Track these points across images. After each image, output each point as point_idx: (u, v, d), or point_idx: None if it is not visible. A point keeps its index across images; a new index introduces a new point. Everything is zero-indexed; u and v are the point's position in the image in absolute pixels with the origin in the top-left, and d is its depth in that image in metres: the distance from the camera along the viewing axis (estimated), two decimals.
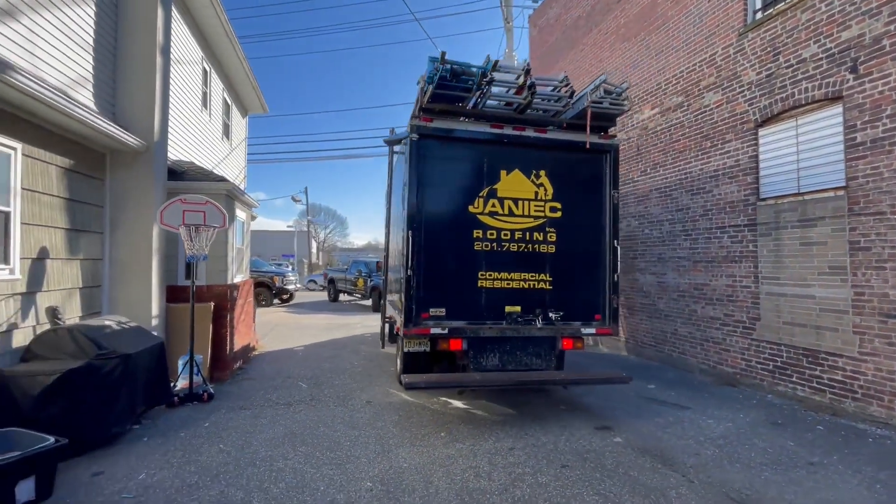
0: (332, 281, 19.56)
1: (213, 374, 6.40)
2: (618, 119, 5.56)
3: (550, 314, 5.09)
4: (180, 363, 5.74)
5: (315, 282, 29.50)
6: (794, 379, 5.58)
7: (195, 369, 5.63)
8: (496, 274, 5.07)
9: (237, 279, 7.45)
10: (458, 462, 3.95)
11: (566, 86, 5.25)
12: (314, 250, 60.22)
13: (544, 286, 5.18)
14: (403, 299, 4.88)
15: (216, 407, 5.37)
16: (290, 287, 18.72)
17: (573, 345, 5.35)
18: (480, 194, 5.05)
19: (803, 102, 5.49)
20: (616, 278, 5.31)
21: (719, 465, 3.93)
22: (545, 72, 11.83)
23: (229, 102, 11.44)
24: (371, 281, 16.83)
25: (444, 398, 5.75)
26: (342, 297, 20.07)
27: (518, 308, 5.06)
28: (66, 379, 3.83)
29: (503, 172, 5.10)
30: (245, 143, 13.32)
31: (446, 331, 4.87)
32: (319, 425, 4.82)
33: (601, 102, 5.06)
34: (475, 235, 5.04)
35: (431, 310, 4.90)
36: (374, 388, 6.33)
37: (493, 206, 5.08)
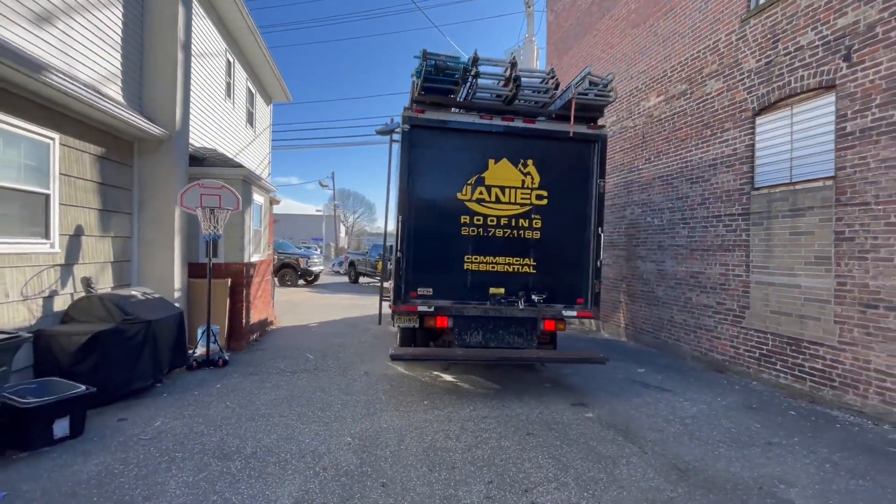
0: (352, 264, 20.27)
1: (229, 343, 7.04)
2: (604, 109, 5.66)
3: (533, 297, 5.34)
4: (199, 332, 6.37)
5: (339, 265, 30.42)
6: (777, 367, 5.66)
7: (212, 338, 6.25)
8: (482, 258, 5.38)
9: (254, 258, 8.04)
10: (433, 425, 4.35)
11: (552, 78, 5.42)
12: (343, 234, 61.72)
13: (528, 270, 5.44)
14: (394, 279, 5.29)
15: (229, 372, 5.97)
16: (315, 269, 19.55)
17: (555, 326, 5.60)
18: (468, 182, 5.32)
19: (798, 91, 5.44)
20: (599, 264, 5.50)
21: (678, 441, 4.16)
22: (559, 57, 11.80)
23: (253, 91, 12.02)
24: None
25: (435, 372, 6.16)
26: (362, 279, 20.77)
27: (502, 290, 5.36)
28: (96, 339, 4.44)
29: (491, 161, 5.35)
30: (269, 131, 13.95)
31: (432, 308, 5.23)
32: (317, 391, 5.33)
33: (586, 94, 5.20)
34: (462, 221, 5.33)
35: (419, 289, 5.27)
36: (374, 361, 6.81)
37: (481, 193, 5.34)
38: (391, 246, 5.85)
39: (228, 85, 9.89)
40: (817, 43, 5.23)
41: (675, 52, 7.61)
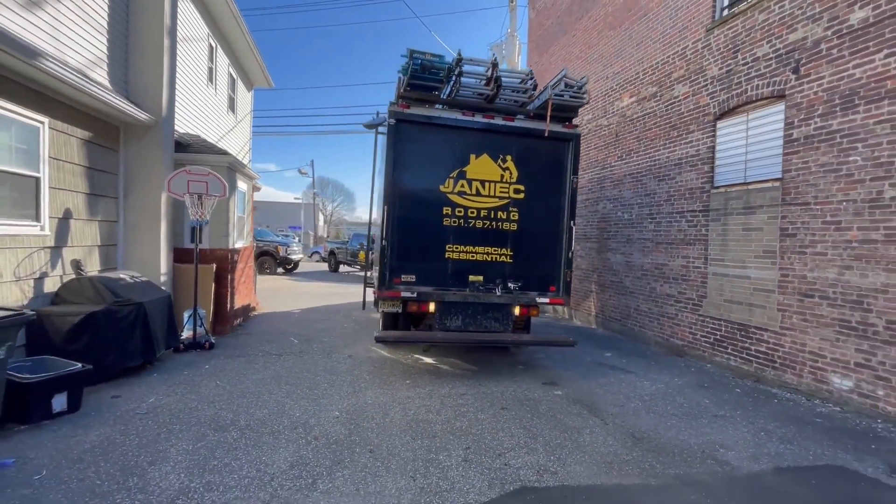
0: (332, 252, 20.36)
1: (214, 327, 7.19)
2: (580, 110, 6.04)
3: (510, 284, 5.71)
4: (185, 316, 6.52)
5: (318, 253, 30.38)
6: (728, 350, 6.23)
7: (199, 322, 6.41)
8: (462, 247, 5.70)
9: (238, 245, 8.16)
10: (415, 401, 4.69)
11: (531, 79, 5.73)
12: (321, 223, 61.08)
13: (505, 259, 5.79)
14: (378, 266, 5.56)
15: (216, 354, 6.16)
16: (294, 257, 19.56)
17: (528, 312, 6.00)
18: (451, 175, 5.61)
19: (754, 98, 5.94)
20: (570, 255, 5.89)
21: (636, 414, 4.63)
22: (539, 55, 12.13)
23: (234, 77, 11.94)
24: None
25: (416, 355, 6.49)
26: (342, 268, 20.88)
27: (480, 278, 5.70)
28: (89, 319, 4.58)
29: (472, 156, 5.65)
30: (250, 117, 13.87)
31: (415, 294, 5.53)
32: (304, 371, 5.59)
33: (562, 95, 5.54)
34: (445, 212, 5.63)
35: (403, 276, 5.57)
36: (357, 345, 7.10)
37: (462, 186, 5.65)
38: (379, 234, 6.13)
39: (210, 70, 9.84)
40: (771, 55, 5.72)
41: (648, 56, 8.04)
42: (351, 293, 13.75)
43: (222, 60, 10.74)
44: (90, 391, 4.43)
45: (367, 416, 4.26)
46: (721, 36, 6.47)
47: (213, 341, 6.49)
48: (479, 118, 5.58)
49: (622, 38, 8.76)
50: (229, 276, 7.42)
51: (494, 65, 5.27)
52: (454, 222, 5.68)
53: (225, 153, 7.45)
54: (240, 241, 8.33)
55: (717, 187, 6.51)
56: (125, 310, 4.92)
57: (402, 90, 5.41)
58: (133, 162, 6.26)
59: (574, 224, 5.90)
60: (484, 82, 5.43)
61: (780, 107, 5.60)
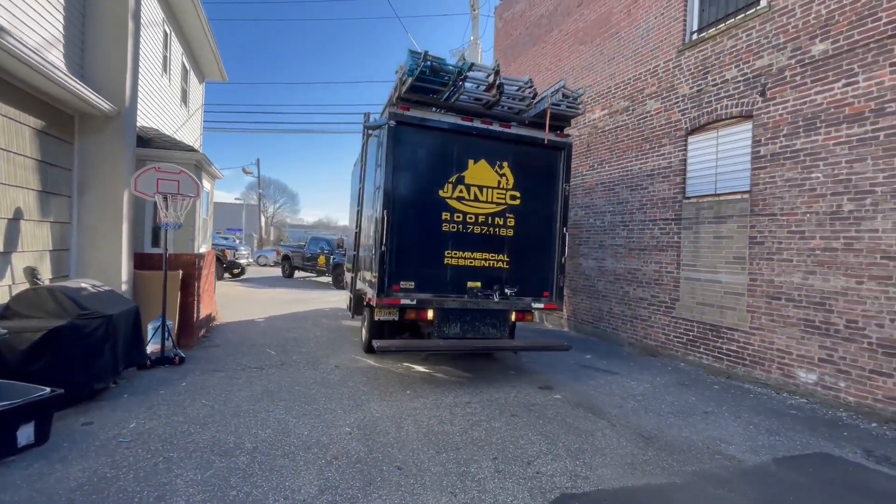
0: (286, 257, 19.40)
1: (179, 340, 6.55)
2: (572, 120, 6.23)
3: (506, 290, 5.73)
4: (150, 328, 5.88)
5: (266, 257, 28.84)
6: (701, 350, 6.69)
7: (166, 334, 5.81)
8: (461, 253, 5.64)
9: (202, 249, 7.53)
10: (424, 412, 4.56)
11: (529, 87, 5.77)
12: (262, 225, 58.14)
13: (502, 265, 5.81)
14: (377, 273, 5.35)
15: (188, 370, 5.61)
16: (242, 261, 18.43)
17: (523, 317, 6.08)
18: (450, 180, 5.56)
19: (723, 117, 6.46)
20: (563, 261, 6.04)
21: (637, 414, 4.82)
22: (508, 64, 12.40)
23: (188, 67, 11.05)
24: (333, 258, 16.96)
25: (406, 363, 6.33)
26: (298, 273, 19.98)
27: (479, 284, 5.67)
28: (51, 336, 3.99)
29: (470, 162, 5.64)
30: (202, 111, 12.90)
31: (415, 302, 5.40)
32: (294, 385, 5.25)
33: (559, 105, 5.66)
34: (443, 217, 5.56)
35: (402, 283, 5.41)
36: (340, 355, 6.79)
37: (461, 191, 5.61)
38: (371, 241, 5.84)
39: (165, 59, 9.03)
40: (739, 78, 6.25)
41: (620, 72, 8.49)
42: (313, 300, 13.19)
43: (176, 49, 9.90)
44: (56, 417, 3.83)
45: (380, 430, 4.08)
46: (692, 58, 6.98)
47: (182, 355, 5.92)
48: (477, 123, 5.59)
49: (594, 53, 9.19)
50: (196, 284, 6.81)
51: (497, 71, 5.29)
52: (453, 228, 5.62)
53: (193, 150, 6.85)
54: (204, 244, 7.69)
55: (689, 198, 6.99)
56: (93, 324, 4.34)
57: (402, 91, 5.25)
58: (90, 156, 5.57)
59: (567, 230, 6.05)
60: (484, 88, 5.43)
61: (748, 126, 6.14)
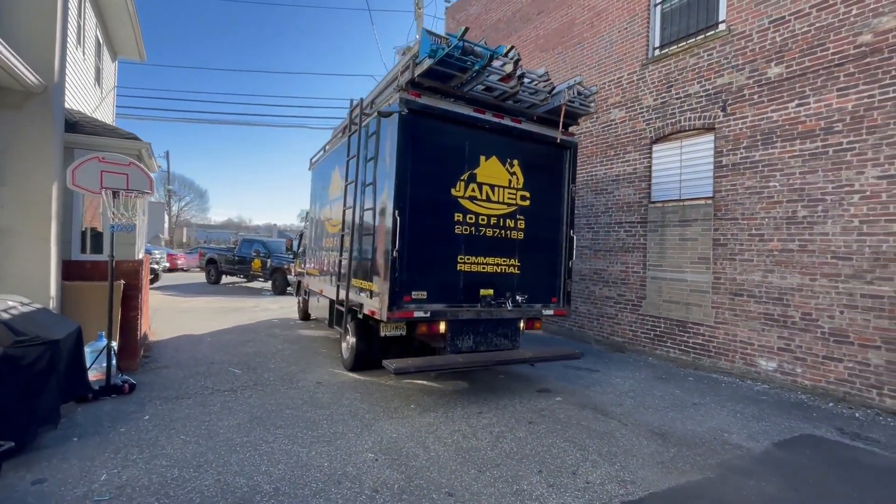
0: (212, 261, 17.52)
1: (120, 363, 5.51)
2: (580, 119, 6.02)
3: (517, 297, 5.40)
4: (88, 352, 4.85)
5: (178, 260, 25.88)
6: (668, 344, 7.18)
7: (112, 357, 4.83)
8: (473, 258, 5.22)
9: (140, 255, 6.44)
10: (441, 428, 4.28)
11: (546, 81, 5.40)
12: (166, 225, 52.18)
13: (513, 270, 5.46)
14: (385, 282, 4.73)
15: (144, 399, 4.73)
16: (157, 267, 16.31)
17: (532, 325, 5.75)
18: (462, 178, 5.10)
19: (687, 128, 6.99)
20: (571, 264, 5.82)
21: (638, 411, 4.99)
22: None
23: (101, 42, 9.43)
24: (272, 262, 15.62)
25: (388, 376, 5.95)
26: (226, 279, 18.19)
27: (491, 291, 5.28)
28: None
29: (482, 158, 5.22)
30: (115, 93, 11.12)
31: (428, 314, 4.87)
32: (282, 408, 4.65)
33: (573, 102, 5.39)
34: (456, 219, 5.09)
35: (413, 293, 4.87)
36: (315, 369, 6.20)
37: (473, 190, 5.18)
38: (371, 245, 5.11)
39: (80, 29, 7.59)
40: (702, 93, 6.81)
41: (583, 81, 8.82)
42: (253, 308, 12.02)
43: (90, 19, 8.38)
44: None
45: (406, 452, 3.73)
46: (655, 72, 7.47)
47: (133, 382, 4.97)
48: (489, 116, 5.17)
49: (556, 61, 9.47)
50: (139, 296, 5.79)
51: (518, 59, 4.85)
52: (465, 230, 5.16)
53: (134, 137, 5.81)
54: (141, 250, 6.59)
55: (655, 202, 7.47)
56: (32, 352, 3.44)
57: (415, 75, 4.60)
58: (6, 142, 4.44)
59: (574, 233, 5.88)
60: (501, 78, 4.89)
61: (710, 137, 6.70)
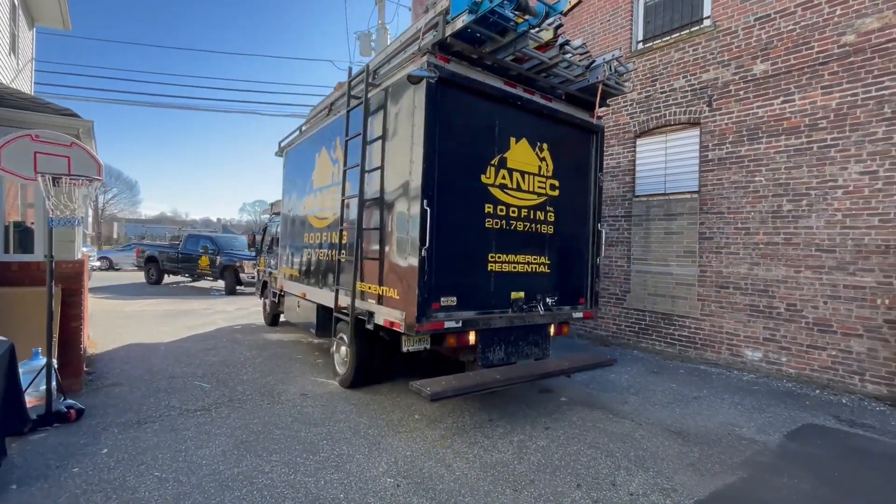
0: (152, 259, 15.86)
1: (60, 383, 4.63)
2: (610, 101, 5.50)
3: (548, 299, 4.85)
4: (21, 372, 3.98)
5: (108, 258, 23.42)
6: (653, 337, 7.24)
7: (53, 378, 4.00)
8: (504, 256, 4.56)
9: (79, 254, 5.48)
10: (456, 441, 3.92)
11: (583, 54, 4.71)
12: (90, 220, 47.34)
13: (544, 269, 4.91)
14: (414, 287, 3.92)
15: (97, 426, 3.96)
16: (97, 266, 14.54)
17: (561, 330, 5.22)
18: (492, 162, 4.40)
19: (672, 123, 7.03)
20: (598, 261, 5.37)
21: (645, 409, 4.89)
22: None
23: (16, 4, 8.02)
24: (222, 259, 14.36)
25: (386, 382, 5.50)
26: (168, 278, 16.60)
27: (522, 294, 4.69)
28: None
29: (512, 140, 4.55)
30: (33, 65, 9.58)
31: (460, 324, 4.13)
32: (271, 428, 4.07)
33: (610, 80, 4.88)
34: (486, 211, 4.41)
35: (443, 299, 4.10)
36: (296, 379, 5.60)
37: (504, 177, 4.50)
38: (412, 240, 4.00)
39: None
40: (687, 88, 6.85)
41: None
42: (205, 311, 10.95)
43: None
44: None
45: (428, 474, 3.34)
46: (640, 65, 7.45)
47: (80, 406, 4.17)
48: (520, 91, 4.52)
49: None
50: (82, 303, 4.90)
51: (559, 25, 4.03)
52: (496, 224, 4.49)
53: (71, 114, 4.86)
54: (80, 248, 5.62)
55: (639, 196, 7.48)
56: None
57: (445, 35, 3.83)
58: None
59: (601, 226, 5.41)
60: (537, 46, 4.15)
61: (696, 132, 6.77)
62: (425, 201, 3.90)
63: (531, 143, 4.73)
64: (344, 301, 4.93)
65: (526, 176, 4.71)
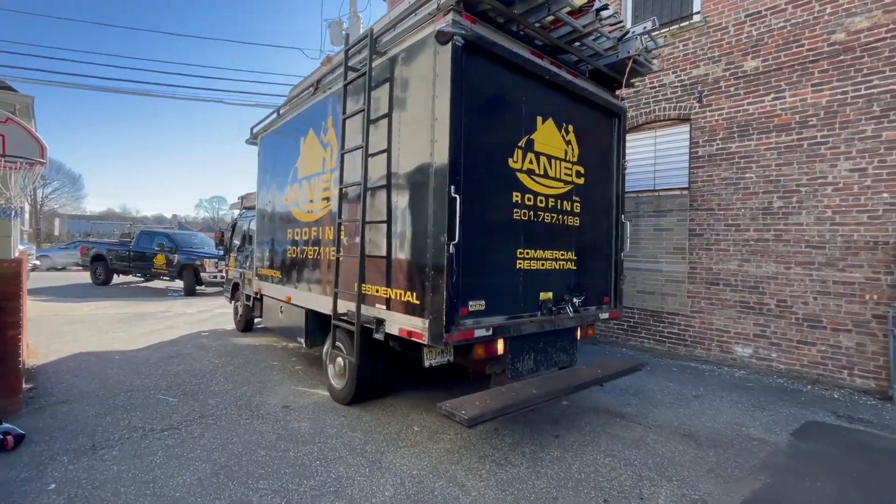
0: (99, 258, 14.56)
1: None
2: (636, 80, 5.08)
3: (575, 300, 4.37)
4: None
5: (49, 257, 21.51)
6: (642, 334, 7.17)
7: None
8: (532, 252, 4.05)
9: (17, 251, 4.75)
10: (464, 455, 3.59)
11: (616, 25, 4.16)
12: (27, 216, 43.61)
13: (570, 266, 4.43)
14: (440, 290, 3.30)
15: (41, 455, 3.36)
16: (38, 264, 13.17)
17: (586, 333, 4.81)
18: (519, 144, 3.87)
19: (661, 119, 6.97)
20: (622, 256, 5.00)
21: (649, 411, 4.73)
22: None
23: None
24: (179, 257, 13.34)
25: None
26: (118, 278, 15.34)
27: (550, 295, 4.20)
28: None
29: (539, 120, 4.03)
30: None
31: (490, 331, 3.55)
32: (254, 448, 3.60)
33: (639, 56, 4.39)
34: (514, 199, 3.86)
35: (471, 303, 3.53)
36: (275, 388, 5.11)
37: (531, 162, 3.97)
38: (438, 234, 3.37)
39: None
40: (677, 83, 6.80)
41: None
42: (163, 313, 10.09)
43: None
44: None
45: (441, 496, 2.99)
46: None
47: (20, 432, 3.53)
48: (546, 63, 3.99)
49: None
50: (21, 308, 4.21)
51: None
52: (524, 215, 3.96)
53: (6, 86, 4.13)
54: (18, 244, 4.87)
55: (628, 192, 7.38)
56: None
57: None
58: None
59: (626, 219, 5.01)
60: (570, 11, 3.69)
61: (686, 128, 6.73)
62: (452, 188, 3.27)
63: (557, 125, 4.23)
64: (344, 307, 4.30)
65: (553, 161, 4.20)
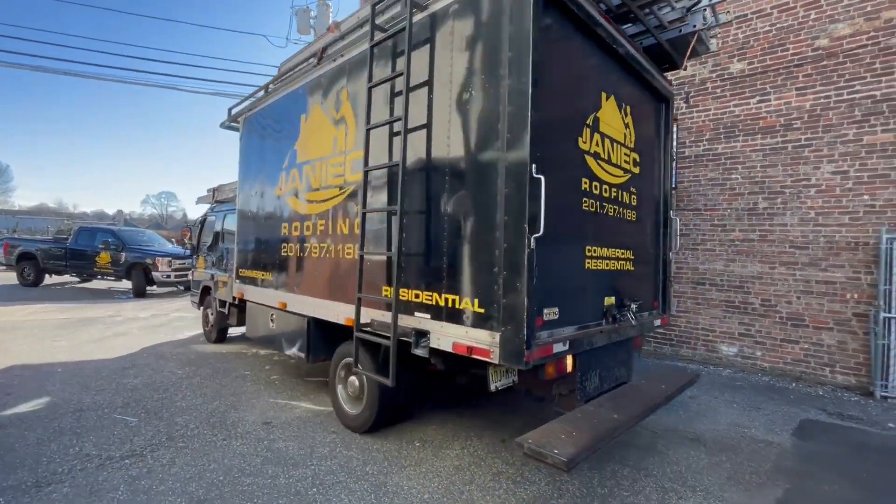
0: (28, 256, 13.06)
1: None
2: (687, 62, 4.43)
3: (632, 305, 3.77)
4: None
5: None
6: None
7: None
8: (599, 250, 3.48)
9: None
10: (476, 473, 3.29)
11: None
12: None
13: (629, 267, 3.91)
14: (519, 294, 2.63)
15: None
16: None
17: (637, 343, 4.23)
18: (587, 122, 3.31)
19: None
20: (671, 256, 4.53)
21: (654, 416, 4.62)
22: None
23: None
24: (127, 256, 12.19)
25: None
26: (50, 278, 13.89)
27: (613, 299, 3.63)
28: None
29: (603, 96, 3.50)
30: None
31: (567, 346, 2.93)
32: (237, 475, 3.14)
33: (704, 30, 3.91)
34: (583, 187, 3.29)
35: (545, 311, 2.91)
36: (251, 402, 4.61)
37: (598, 144, 3.41)
38: (511, 226, 2.71)
39: None
40: None
41: None
42: (113, 317, 9.16)
43: None
44: None
45: None
46: None
47: None
48: (614, 31, 3.44)
49: None
50: None
51: None
52: (592, 206, 3.39)
53: None
54: None
55: None
56: None
57: None
58: None
59: (674, 214, 4.53)
60: None
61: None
62: (534, 166, 2.61)
63: (617, 104, 3.69)
64: (367, 315, 3.58)
65: (615, 145, 3.65)
